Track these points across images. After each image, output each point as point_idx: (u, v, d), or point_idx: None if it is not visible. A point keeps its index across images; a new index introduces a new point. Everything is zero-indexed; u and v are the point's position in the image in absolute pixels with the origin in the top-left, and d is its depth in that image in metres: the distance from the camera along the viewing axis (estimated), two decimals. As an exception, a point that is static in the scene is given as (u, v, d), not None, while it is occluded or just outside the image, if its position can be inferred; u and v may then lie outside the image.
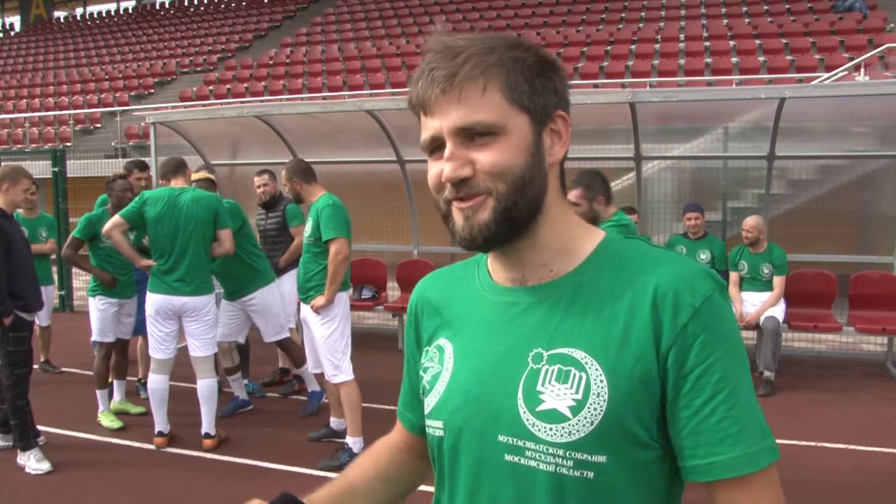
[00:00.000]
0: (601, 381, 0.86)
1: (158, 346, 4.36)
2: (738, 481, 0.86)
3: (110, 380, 5.08)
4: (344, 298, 4.18)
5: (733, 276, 5.88)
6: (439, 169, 0.91)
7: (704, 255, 5.95)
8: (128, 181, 4.86)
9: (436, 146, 0.92)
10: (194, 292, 4.31)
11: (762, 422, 0.88)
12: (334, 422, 4.48)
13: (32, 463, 4.09)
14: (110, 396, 5.10)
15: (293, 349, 5.06)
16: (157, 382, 4.39)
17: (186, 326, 4.39)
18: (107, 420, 4.86)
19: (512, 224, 0.90)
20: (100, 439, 4.64)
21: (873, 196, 6.69)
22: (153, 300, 4.31)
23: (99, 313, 4.83)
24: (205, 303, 4.38)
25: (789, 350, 6.30)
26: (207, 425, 4.43)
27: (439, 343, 1.03)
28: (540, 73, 0.91)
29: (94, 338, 4.92)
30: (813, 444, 4.38)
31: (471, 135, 0.88)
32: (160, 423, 4.45)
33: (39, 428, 4.32)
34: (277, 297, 5.03)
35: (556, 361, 0.89)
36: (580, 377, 0.87)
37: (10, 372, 4.02)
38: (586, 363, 0.87)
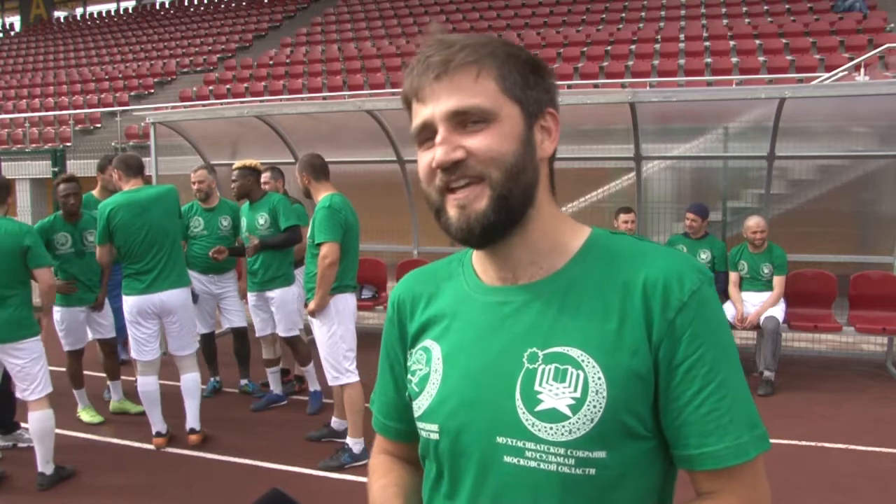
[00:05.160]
0: (599, 379, 0.86)
1: (142, 347, 4.36)
2: (726, 471, 0.87)
3: (108, 381, 5.11)
4: (345, 300, 4.12)
5: (733, 276, 5.87)
6: (430, 157, 0.90)
7: (705, 255, 5.94)
8: (71, 185, 4.72)
9: (426, 135, 0.91)
10: (173, 285, 4.32)
11: (752, 411, 0.89)
12: (335, 422, 4.48)
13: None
14: (109, 397, 5.11)
15: (300, 347, 5.05)
16: (147, 384, 4.38)
17: (167, 326, 4.39)
18: (87, 416, 4.91)
19: (509, 214, 0.90)
20: (100, 439, 4.64)
21: (873, 196, 6.69)
22: (133, 302, 4.28)
23: (67, 324, 4.76)
24: (184, 297, 4.41)
25: (789, 350, 6.30)
26: (192, 420, 4.45)
27: (425, 345, 1.02)
28: (532, 70, 0.92)
29: (65, 348, 4.83)
30: (813, 444, 4.38)
31: (463, 121, 0.88)
32: (157, 424, 4.45)
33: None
34: (294, 298, 5.02)
35: (552, 360, 0.89)
36: (578, 375, 0.87)
37: None
38: (583, 361, 0.87)
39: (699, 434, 0.86)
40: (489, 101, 0.88)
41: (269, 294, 4.94)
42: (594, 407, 0.86)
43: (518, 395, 0.89)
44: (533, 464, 0.88)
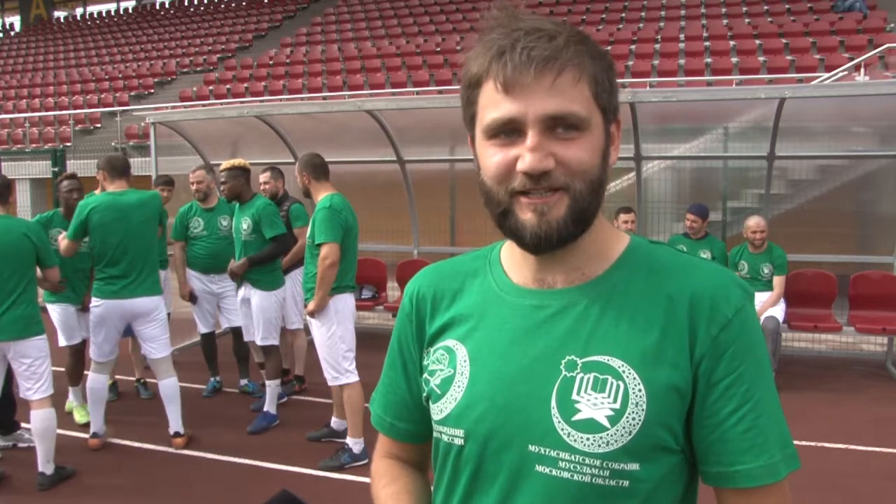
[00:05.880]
0: (640, 391, 0.85)
1: (102, 350, 4.33)
2: (757, 489, 0.86)
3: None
4: (345, 301, 4.11)
5: (733, 276, 5.86)
6: (510, 156, 0.85)
7: (705, 256, 5.94)
8: (74, 181, 4.72)
9: (507, 130, 0.84)
10: (147, 292, 4.29)
11: (785, 430, 0.88)
12: (335, 422, 4.48)
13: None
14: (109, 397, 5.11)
15: (272, 358, 4.85)
16: (97, 381, 4.35)
17: (141, 330, 4.34)
18: (78, 415, 4.89)
19: (585, 224, 0.88)
20: (100, 439, 4.64)
21: (873, 196, 6.69)
22: (104, 306, 4.23)
23: (62, 319, 4.76)
24: (156, 303, 4.37)
25: (789, 350, 6.30)
26: (175, 424, 4.43)
27: (447, 345, 0.98)
28: (614, 75, 0.89)
29: (61, 343, 4.80)
30: (813, 444, 4.38)
31: (554, 126, 0.83)
32: (96, 424, 4.42)
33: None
34: (276, 305, 4.86)
35: (591, 369, 0.87)
36: (618, 386, 0.85)
37: None
38: (624, 372, 0.86)
39: (734, 451, 0.85)
40: (585, 108, 0.84)
41: (249, 294, 4.84)
42: (633, 419, 0.84)
43: (554, 403, 0.86)
44: (566, 475, 0.85)
